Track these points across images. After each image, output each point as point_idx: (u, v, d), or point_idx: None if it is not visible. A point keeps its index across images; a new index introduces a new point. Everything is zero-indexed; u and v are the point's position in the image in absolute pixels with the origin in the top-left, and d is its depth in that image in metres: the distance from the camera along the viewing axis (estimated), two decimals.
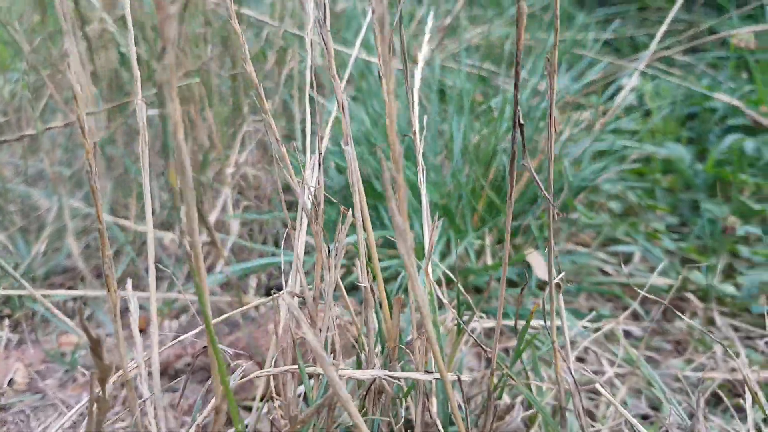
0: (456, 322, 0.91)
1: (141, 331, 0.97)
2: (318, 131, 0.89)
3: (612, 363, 1.25)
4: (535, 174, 0.71)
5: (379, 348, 0.83)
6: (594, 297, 1.54)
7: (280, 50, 1.77)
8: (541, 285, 1.49)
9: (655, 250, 1.55)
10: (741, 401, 1.14)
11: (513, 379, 0.77)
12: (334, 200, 0.84)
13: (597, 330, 1.27)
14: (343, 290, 0.82)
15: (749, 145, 1.88)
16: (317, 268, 0.78)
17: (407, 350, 0.76)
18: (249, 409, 1.10)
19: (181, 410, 1.12)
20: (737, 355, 1.33)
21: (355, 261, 1.22)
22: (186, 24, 1.53)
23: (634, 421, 0.81)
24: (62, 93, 1.76)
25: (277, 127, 0.87)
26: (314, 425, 0.75)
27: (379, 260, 0.79)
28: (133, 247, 1.55)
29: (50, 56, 1.77)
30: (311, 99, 0.91)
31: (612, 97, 2.19)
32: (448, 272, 0.99)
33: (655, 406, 1.17)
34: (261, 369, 0.95)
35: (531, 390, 0.91)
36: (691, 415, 1.16)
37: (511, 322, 1.27)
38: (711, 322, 1.47)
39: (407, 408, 0.79)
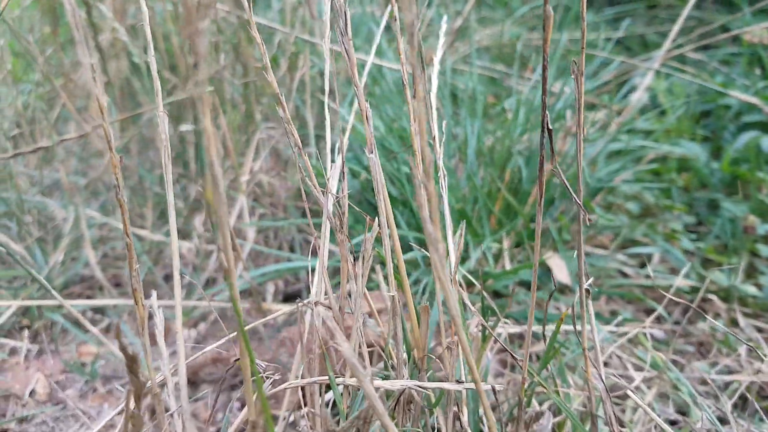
0: (481, 327, 0.90)
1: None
2: (340, 138, 0.88)
3: (638, 368, 1.24)
4: (564, 178, 0.70)
5: (405, 356, 0.82)
6: (614, 300, 1.53)
7: (292, 56, 1.77)
8: (561, 289, 1.48)
9: (674, 251, 1.53)
10: None
11: (543, 386, 0.76)
12: (352, 206, 0.83)
13: (623, 335, 1.26)
14: (369, 299, 0.82)
15: (765, 142, 1.86)
16: (343, 276, 0.77)
17: (437, 359, 0.75)
18: (275, 419, 1.09)
19: (206, 422, 1.11)
20: (765, 356, 1.32)
21: (376, 268, 1.21)
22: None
23: (666, 426, 0.80)
24: (75, 102, 1.77)
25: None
26: None
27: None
28: (150, 257, 1.55)
29: (63, 66, 1.77)
30: (328, 106, 0.91)
31: (626, 97, 2.18)
32: (470, 277, 0.98)
33: (683, 411, 1.16)
34: (285, 379, 0.94)
35: (559, 396, 0.90)
36: (720, 419, 1.15)
37: (537, 328, 1.26)
38: (734, 323, 1.46)
39: (437, 418, 0.78)
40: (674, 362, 1.33)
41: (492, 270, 1.49)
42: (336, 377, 0.74)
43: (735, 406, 1.21)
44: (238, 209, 1.55)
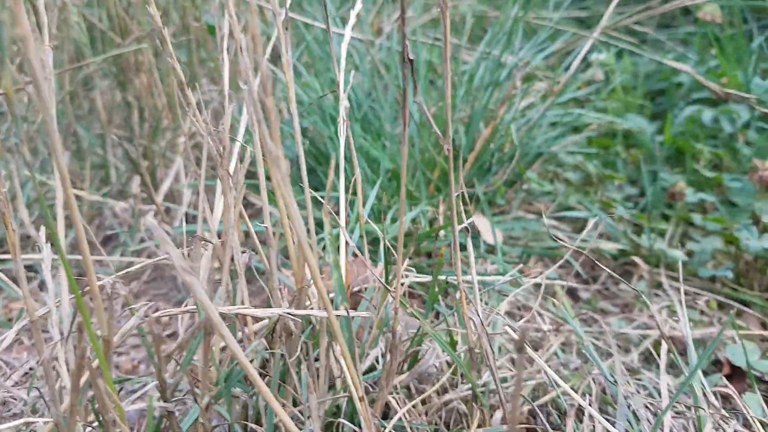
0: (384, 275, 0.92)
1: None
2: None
3: (555, 322, 1.26)
4: (426, 110, 0.72)
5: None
6: (546, 263, 1.55)
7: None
8: (491, 249, 1.50)
9: (604, 216, 1.56)
10: (676, 357, 1.15)
11: (417, 317, 0.78)
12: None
13: (537, 287, 1.28)
14: (255, 238, 0.83)
15: (707, 115, 1.88)
16: (225, 207, 0.79)
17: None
18: None
19: None
20: (676, 315, 1.35)
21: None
22: None
23: (542, 362, 0.82)
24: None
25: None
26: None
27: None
28: (87, 216, 1.56)
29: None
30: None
31: (584, 71, 2.20)
32: (374, 225, 0.99)
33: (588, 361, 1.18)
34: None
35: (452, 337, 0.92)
36: (630, 370, 1.18)
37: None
38: (659, 286, 1.48)
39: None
40: (594, 320, 1.36)
41: (425, 231, 1.51)
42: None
43: (646, 359, 1.25)
44: (175, 171, 1.56)
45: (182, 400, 0.92)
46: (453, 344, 0.94)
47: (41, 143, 1.63)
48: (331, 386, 0.86)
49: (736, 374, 1.25)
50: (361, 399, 0.68)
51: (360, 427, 0.75)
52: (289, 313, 0.72)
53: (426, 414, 0.94)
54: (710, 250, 1.55)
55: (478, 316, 0.80)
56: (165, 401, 0.73)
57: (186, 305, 0.81)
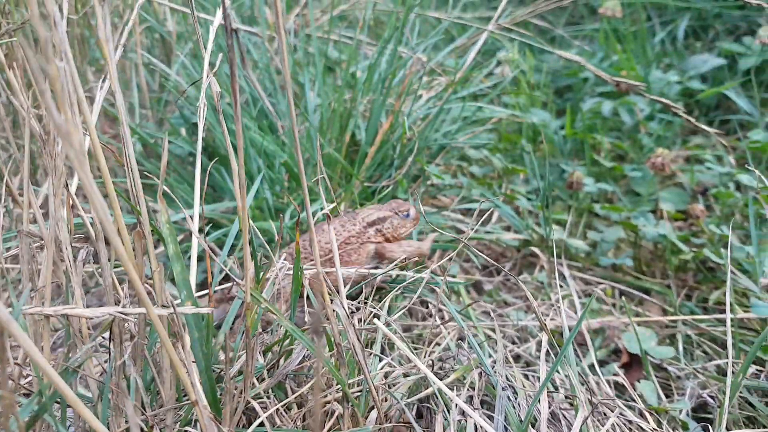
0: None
1: None
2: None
3: (443, 315, 1.22)
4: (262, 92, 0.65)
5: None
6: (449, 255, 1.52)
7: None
8: None
9: (506, 209, 1.54)
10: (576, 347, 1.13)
11: (274, 313, 0.72)
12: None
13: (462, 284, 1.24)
14: (91, 229, 0.75)
15: (606, 107, 1.90)
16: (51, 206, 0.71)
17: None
18: None
19: None
20: (573, 304, 1.33)
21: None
22: None
23: (406, 348, 0.78)
24: None
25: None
26: None
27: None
28: None
29: None
30: None
31: (475, 66, 2.18)
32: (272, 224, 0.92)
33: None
34: None
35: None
36: (528, 363, 1.15)
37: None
38: (561, 275, 1.47)
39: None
40: (495, 311, 1.33)
41: None
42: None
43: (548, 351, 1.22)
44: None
45: None
46: (331, 342, 0.88)
47: None
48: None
49: (635, 362, 1.25)
50: (194, 403, 0.61)
51: None
52: (121, 312, 0.65)
53: (304, 418, 0.88)
54: (613, 239, 1.55)
55: (344, 309, 0.74)
56: None
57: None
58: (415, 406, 0.95)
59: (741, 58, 2.28)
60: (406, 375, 0.96)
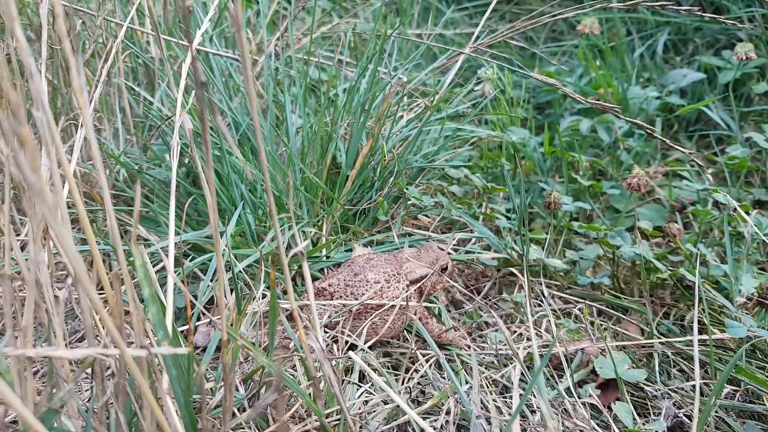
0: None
1: None
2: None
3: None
4: None
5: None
6: None
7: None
8: None
9: (482, 229, 1.56)
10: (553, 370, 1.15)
11: (248, 348, 0.74)
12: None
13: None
14: (71, 269, 0.77)
15: (584, 125, 1.93)
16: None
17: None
18: None
19: None
20: (556, 325, 1.35)
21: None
22: None
23: (380, 380, 0.79)
24: None
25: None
26: None
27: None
28: None
29: None
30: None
31: (455, 85, 2.21)
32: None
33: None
34: None
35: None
36: (506, 387, 1.17)
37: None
38: (541, 294, 1.49)
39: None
40: (477, 333, 1.35)
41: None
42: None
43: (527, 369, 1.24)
44: None
45: None
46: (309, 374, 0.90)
47: None
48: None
49: (611, 382, 1.27)
50: None
51: None
52: (101, 353, 0.66)
53: None
54: (591, 257, 1.57)
55: (319, 342, 0.76)
56: None
57: None
58: None
59: (720, 72, 2.33)
60: (385, 402, 0.98)
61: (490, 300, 1.50)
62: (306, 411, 0.91)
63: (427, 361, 1.14)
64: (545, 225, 1.77)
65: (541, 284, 1.50)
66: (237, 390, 0.92)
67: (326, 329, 1.12)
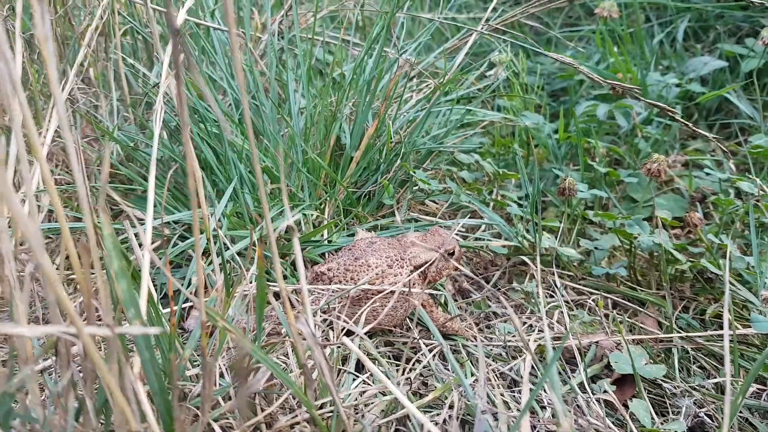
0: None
1: None
2: None
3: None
4: None
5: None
6: None
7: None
8: None
9: (493, 215, 1.48)
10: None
11: (233, 333, 0.67)
12: None
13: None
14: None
15: (601, 111, 1.84)
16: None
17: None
18: None
19: None
20: (570, 317, 1.28)
21: None
22: None
23: (376, 369, 0.72)
24: None
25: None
26: None
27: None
28: None
29: None
30: None
31: (468, 68, 2.13)
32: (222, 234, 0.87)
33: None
34: None
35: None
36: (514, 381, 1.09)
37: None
38: (553, 286, 1.42)
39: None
40: (485, 323, 1.28)
41: (308, 234, 1.40)
42: None
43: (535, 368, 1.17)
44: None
45: None
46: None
47: None
48: None
49: (627, 378, 1.19)
50: None
51: None
52: (66, 332, 0.59)
53: None
54: (607, 248, 1.49)
55: (309, 327, 0.69)
56: None
57: None
58: (393, 428, 0.90)
59: (743, 60, 2.23)
60: (383, 393, 0.91)
61: (500, 290, 1.42)
62: (297, 401, 0.84)
63: (430, 351, 1.06)
64: (558, 214, 1.69)
65: (553, 274, 1.42)
66: (222, 377, 0.85)
67: (324, 315, 1.05)
